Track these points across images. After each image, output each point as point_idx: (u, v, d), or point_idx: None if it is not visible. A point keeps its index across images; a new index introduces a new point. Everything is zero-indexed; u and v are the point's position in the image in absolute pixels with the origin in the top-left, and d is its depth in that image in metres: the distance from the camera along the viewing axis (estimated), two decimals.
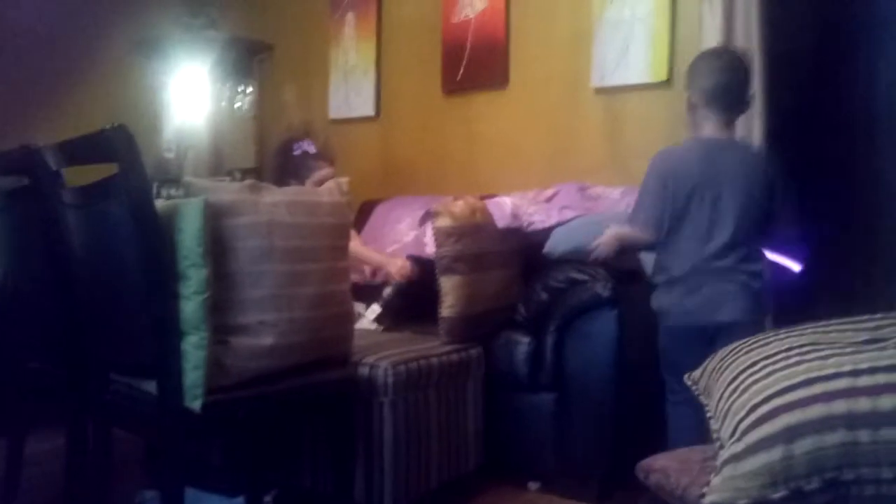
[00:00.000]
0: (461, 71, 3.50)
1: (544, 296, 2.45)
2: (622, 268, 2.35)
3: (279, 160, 2.96)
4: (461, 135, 3.54)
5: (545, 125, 3.29)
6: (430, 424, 2.23)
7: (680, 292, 1.98)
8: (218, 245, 1.64)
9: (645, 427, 2.23)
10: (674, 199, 1.97)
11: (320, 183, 2.42)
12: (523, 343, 2.44)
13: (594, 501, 2.33)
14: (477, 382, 2.43)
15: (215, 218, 1.64)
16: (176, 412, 1.59)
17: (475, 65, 3.46)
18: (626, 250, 2.13)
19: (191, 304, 1.59)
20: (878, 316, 1.23)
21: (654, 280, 2.07)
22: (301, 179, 2.79)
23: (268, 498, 2.17)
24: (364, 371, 2.10)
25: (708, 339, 1.86)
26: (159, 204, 1.60)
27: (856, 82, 3.69)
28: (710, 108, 2.00)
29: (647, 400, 2.21)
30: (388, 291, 2.74)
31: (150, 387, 1.64)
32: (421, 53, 3.64)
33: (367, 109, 3.84)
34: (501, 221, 2.55)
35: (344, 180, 1.99)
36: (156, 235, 1.56)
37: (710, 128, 2.01)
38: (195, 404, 1.60)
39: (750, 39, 2.67)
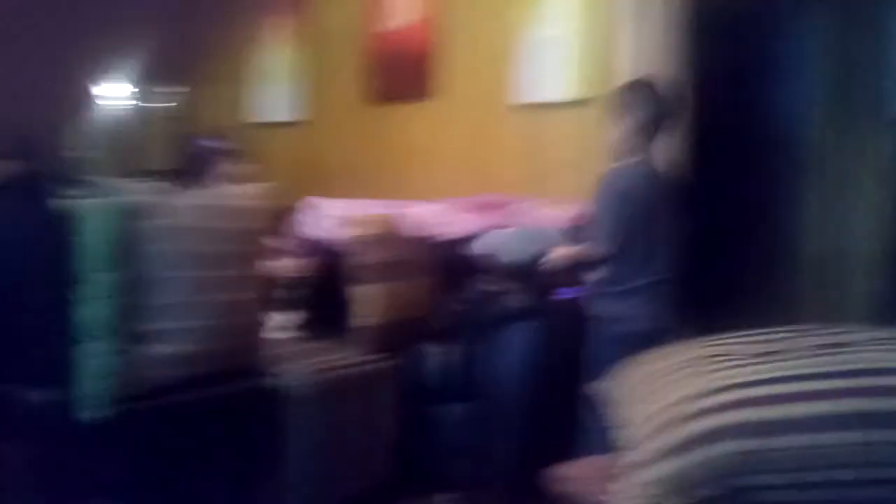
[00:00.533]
0: (386, 80, 3.50)
1: (459, 307, 2.47)
2: (537, 281, 2.39)
3: (183, 158, 2.89)
4: (384, 143, 3.54)
5: (467, 138, 3.33)
6: (343, 435, 2.21)
7: (633, 302, 2.14)
8: (126, 248, 1.59)
9: (556, 437, 2.27)
10: (628, 217, 2.12)
11: (223, 180, 2.37)
12: (437, 354, 2.44)
13: None
14: (392, 393, 2.42)
15: (125, 220, 1.58)
16: (72, 423, 1.53)
17: (400, 75, 3.47)
18: (576, 266, 2.27)
19: (94, 310, 1.53)
20: (772, 330, 1.29)
21: (605, 290, 2.18)
22: (203, 176, 2.68)
23: None
24: (275, 381, 2.06)
25: (647, 344, 1.96)
26: (65, 204, 1.54)
27: (765, 111, 3.89)
28: (645, 135, 2.17)
29: (559, 410, 2.25)
30: (293, 293, 2.69)
31: (45, 396, 1.57)
32: (347, 61, 3.63)
33: (291, 115, 3.80)
34: (414, 231, 2.56)
35: (263, 185, 1.96)
36: (58, 236, 1.49)
37: (640, 152, 2.17)
38: (94, 415, 1.53)
39: (665, 62, 2.77)
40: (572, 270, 2.28)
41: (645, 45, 2.79)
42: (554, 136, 3.11)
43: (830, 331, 1.24)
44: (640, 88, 2.25)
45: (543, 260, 2.24)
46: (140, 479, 2.16)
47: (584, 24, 3.04)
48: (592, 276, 2.24)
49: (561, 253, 2.25)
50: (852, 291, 3.39)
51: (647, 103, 2.17)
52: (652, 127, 2.16)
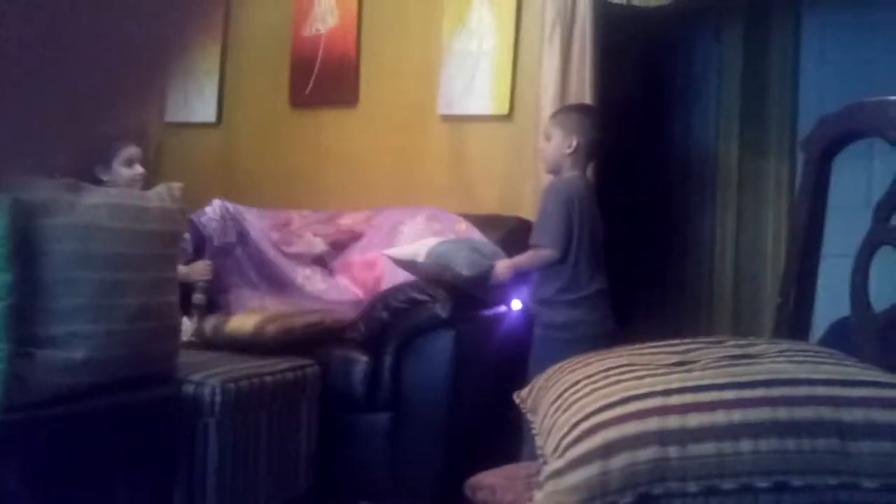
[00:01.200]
0: (310, 85, 3.45)
1: (384, 315, 2.44)
2: (461, 290, 2.39)
3: (92, 155, 2.74)
4: (308, 149, 3.48)
5: (392, 147, 3.31)
6: (259, 446, 2.14)
7: (582, 309, 2.28)
8: (26, 247, 1.50)
9: (479, 446, 2.27)
10: (576, 225, 2.26)
11: (129, 163, 2.27)
12: (361, 362, 2.41)
13: None
14: (312, 402, 2.37)
15: (25, 217, 1.49)
16: None
17: (325, 80, 3.42)
18: (521, 275, 2.38)
19: None
20: (688, 341, 1.33)
21: (555, 297, 2.29)
22: (108, 163, 2.55)
23: None
24: (189, 389, 1.99)
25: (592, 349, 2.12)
26: None
27: (672, 133, 4.04)
28: (586, 156, 2.36)
29: (482, 420, 2.25)
30: (198, 297, 2.60)
31: None
32: (269, 63, 3.56)
33: (209, 115, 3.68)
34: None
35: (176, 185, 1.89)
36: None
37: (577, 170, 2.34)
38: None
39: (584, 81, 2.84)
40: (517, 280, 2.37)
41: (564, 63, 2.85)
42: (479, 149, 3.14)
43: (742, 342, 1.28)
44: (592, 112, 2.46)
45: (489, 271, 2.33)
46: (40, 493, 2.04)
47: (507, 39, 3.08)
48: (540, 285, 2.34)
49: (506, 264, 2.35)
50: (762, 305, 3.55)
51: (593, 126, 2.35)
52: (593, 147, 2.35)
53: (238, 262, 2.75)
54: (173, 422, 1.93)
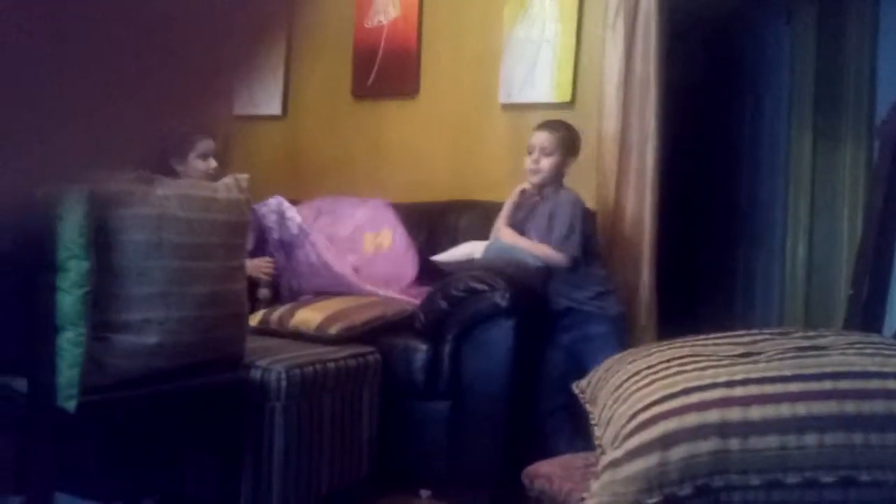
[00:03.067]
0: (372, 76, 3.49)
1: (444, 304, 2.46)
2: (522, 281, 2.39)
3: (163, 148, 2.83)
4: (369, 140, 3.52)
5: (452, 137, 3.32)
6: (323, 431, 2.19)
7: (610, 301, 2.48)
8: (102, 237, 1.56)
9: (538, 436, 2.27)
10: (593, 226, 2.51)
11: (204, 156, 2.34)
12: (421, 350, 2.43)
13: None
14: (373, 389, 2.41)
15: (100, 208, 1.56)
16: (47, 412, 1.50)
17: (386, 71, 3.45)
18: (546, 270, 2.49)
19: (69, 298, 1.50)
20: (754, 331, 1.30)
21: (609, 289, 2.48)
22: (184, 156, 2.62)
23: None
24: (256, 374, 2.04)
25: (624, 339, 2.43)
26: (40, 190, 1.51)
27: (742, 121, 3.92)
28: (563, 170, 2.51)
29: (540, 409, 2.24)
30: (263, 292, 2.68)
31: (21, 384, 1.54)
32: (332, 55, 3.61)
33: (274, 108, 3.76)
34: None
35: (243, 177, 1.94)
36: (34, 224, 1.47)
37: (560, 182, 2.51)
38: (69, 404, 1.51)
39: (648, 68, 2.79)
40: (543, 274, 2.44)
41: (628, 49, 2.80)
42: None
43: (810, 334, 1.25)
44: (570, 129, 2.54)
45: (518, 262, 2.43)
46: (115, 470, 2.14)
47: (569, 26, 3.04)
48: (589, 280, 2.46)
49: (513, 234, 2.48)
50: (833, 297, 3.42)
51: (574, 145, 2.52)
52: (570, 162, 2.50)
53: (298, 257, 2.81)
54: (241, 405, 1.99)
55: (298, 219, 2.76)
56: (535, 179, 2.49)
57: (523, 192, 2.55)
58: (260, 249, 2.75)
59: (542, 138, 2.48)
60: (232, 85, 0.27)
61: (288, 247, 2.78)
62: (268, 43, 0.26)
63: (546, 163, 2.45)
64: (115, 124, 0.25)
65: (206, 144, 2.50)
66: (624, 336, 2.38)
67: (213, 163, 2.42)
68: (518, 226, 2.53)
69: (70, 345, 1.51)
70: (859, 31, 3.48)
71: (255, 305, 2.59)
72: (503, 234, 2.53)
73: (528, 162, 2.49)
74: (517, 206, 2.57)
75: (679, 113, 3.01)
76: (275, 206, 2.76)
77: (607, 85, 2.84)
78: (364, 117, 3.54)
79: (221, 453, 2.00)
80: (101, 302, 1.57)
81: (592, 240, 2.47)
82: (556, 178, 2.49)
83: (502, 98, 3.17)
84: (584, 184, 2.94)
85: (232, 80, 0.27)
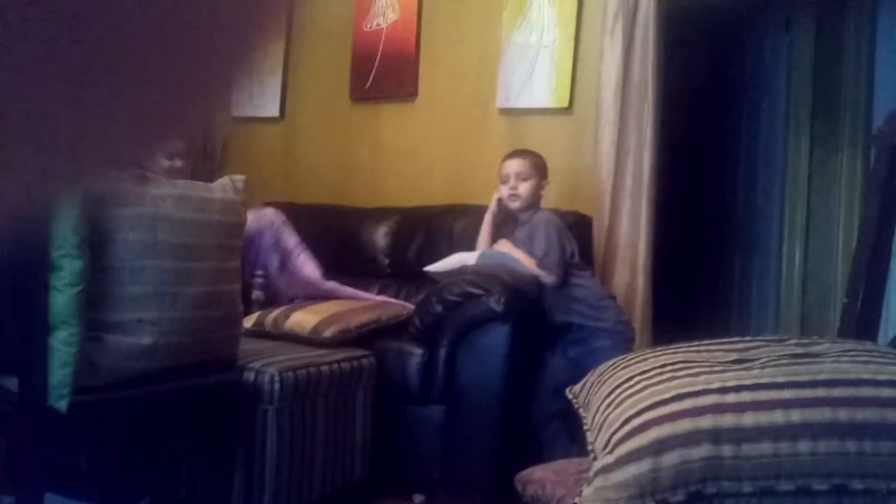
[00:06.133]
0: (370, 79, 3.49)
1: (439, 308, 2.45)
2: (516, 287, 2.39)
3: (161, 148, 2.83)
4: (367, 143, 3.52)
5: (450, 141, 3.32)
6: (316, 434, 2.18)
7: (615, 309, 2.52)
8: (96, 236, 1.56)
9: (532, 441, 2.26)
10: (571, 244, 2.47)
11: (170, 156, 2.35)
12: (416, 355, 2.43)
13: None
14: (367, 392, 2.40)
15: (95, 207, 1.56)
16: (39, 412, 1.49)
17: (385, 74, 3.45)
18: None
19: (62, 297, 1.50)
20: (748, 339, 1.29)
21: (608, 296, 2.52)
22: (180, 167, 2.61)
23: None
24: (250, 376, 2.04)
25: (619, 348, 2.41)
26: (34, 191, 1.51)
27: (739, 128, 3.92)
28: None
29: (534, 413, 2.24)
30: (256, 294, 2.67)
31: (13, 384, 1.53)
32: (331, 58, 3.61)
33: (272, 110, 3.76)
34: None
35: (239, 178, 1.93)
36: (27, 222, 1.46)
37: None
38: (61, 404, 1.50)
39: (646, 74, 2.79)
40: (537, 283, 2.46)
41: (626, 54, 2.81)
42: (537, 143, 3.11)
43: (804, 341, 1.24)
44: (538, 155, 2.62)
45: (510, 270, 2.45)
46: (106, 471, 2.13)
47: (568, 31, 3.05)
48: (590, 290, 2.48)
49: (510, 246, 2.51)
50: (828, 304, 3.42)
51: (545, 168, 2.58)
52: (544, 185, 2.58)
53: (289, 267, 2.83)
54: (234, 408, 1.98)
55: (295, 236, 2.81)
56: (515, 205, 2.54)
57: (500, 201, 2.61)
58: (251, 253, 2.75)
59: (516, 165, 2.56)
60: (231, 86, 0.26)
61: (284, 254, 2.80)
62: (265, 43, 0.26)
63: (524, 187, 2.53)
64: (111, 130, 0.24)
65: (172, 144, 2.47)
66: (628, 344, 2.37)
67: (178, 163, 2.40)
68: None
69: (62, 344, 1.50)
70: (857, 39, 3.49)
71: (249, 307, 2.58)
72: (500, 244, 2.55)
73: (503, 190, 2.56)
74: (498, 224, 2.64)
75: (676, 119, 3.01)
76: (270, 216, 2.78)
77: (605, 90, 2.84)
78: (362, 120, 3.54)
79: (214, 456, 1.99)
80: (95, 301, 1.56)
81: (575, 254, 2.48)
82: (534, 201, 2.55)
83: (500, 103, 3.17)
84: (582, 189, 2.94)
85: (230, 81, 0.26)
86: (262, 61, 0.27)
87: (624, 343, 2.36)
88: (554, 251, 2.41)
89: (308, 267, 2.78)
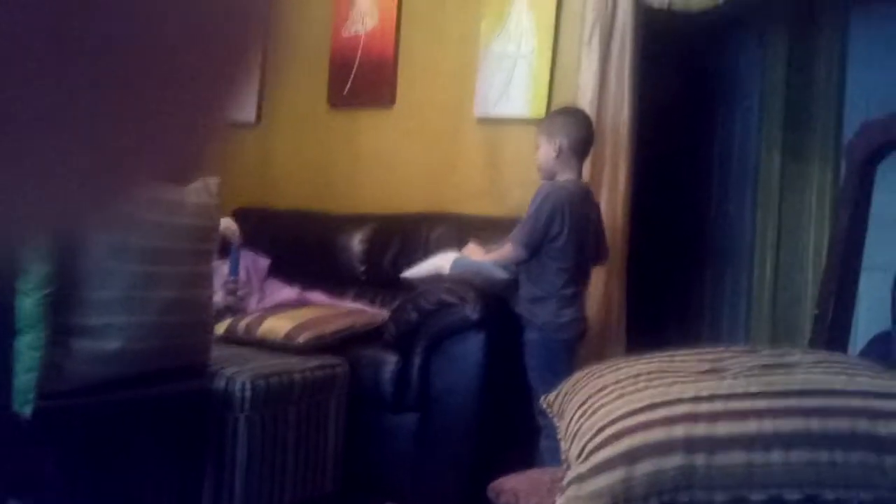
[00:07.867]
0: (348, 86, 3.47)
1: (414, 316, 2.44)
2: (492, 294, 2.38)
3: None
4: (344, 150, 3.51)
5: (428, 148, 3.31)
6: (287, 443, 2.16)
7: (571, 309, 2.31)
8: (64, 239, 1.53)
9: (506, 450, 2.25)
10: (559, 228, 2.25)
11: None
12: (390, 362, 2.41)
13: None
14: (340, 401, 2.38)
15: None
16: (3, 417, 1.46)
17: (363, 81, 3.44)
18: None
19: (29, 301, 1.47)
20: (720, 349, 1.30)
21: (553, 293, 2.30)
22: None
23: None
24: (220, 383, 2.01)
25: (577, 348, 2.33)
26: None
27: (713, 139, 3.97)
28: (574, 156, 2.35)
29: (510, 423, 2.23)
30: (229, 299, 2.64)
31: None
32: (308, 64, 3.59)
33: (247, 114, 3.72)
34: None
35: (213, 181, 1.91)
36: None
37: (570, 172, 2.35)
38: (25, 409, 1.47)
39: (622, 85, 2.81)
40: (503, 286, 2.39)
41: (602, 66, 2.83)
42: (514, 152, 3.12)
43: (776, 352, 1.25)
44: (574, 113, 2.49)
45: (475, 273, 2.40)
46: (72, 478, 2.08)
47: (545, 42, 3.06)
48: (530, 283, 2.34)
49: (477, 248, 2.44)
50: (799, 315, 3.47)
51: (577, 125, 2.38)
52: (580, 145, 2.36)
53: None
54: (203, 415, 1.95)
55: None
56: (540, 175, 2.41)
57: None
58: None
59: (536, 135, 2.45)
60: (222, 115, 0.25)
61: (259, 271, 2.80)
62: (248, 65, 0.25)
63: (538, 155, 2.38)
64: (94, 170, 0.23)
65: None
66: (557, 347, 2.24)
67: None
68: None
69: (28, 348, 1.47)
70: (829, 54, 3.55)
71: (219, 313, 2.55)
72: (467, 249, 2.49)
73: None
74: None
75: (652, 129, 3.04)
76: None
77: (581, 100, 2.85)
78: (339, 126, 3.52)
79: (182, 464, 1.96)
80: (62, 305, 1.53)
81: (556, 241, 2.25)
82: (550, 168, 2.35)
83: (478, 111, 3.18)
84: None
85: (222, 110, 0.25)
86: (247, 84, 0.25)
87: (553, 343, 2.24)
88: (526, 223, 2.26)
89: (283, 293, 2.77)
